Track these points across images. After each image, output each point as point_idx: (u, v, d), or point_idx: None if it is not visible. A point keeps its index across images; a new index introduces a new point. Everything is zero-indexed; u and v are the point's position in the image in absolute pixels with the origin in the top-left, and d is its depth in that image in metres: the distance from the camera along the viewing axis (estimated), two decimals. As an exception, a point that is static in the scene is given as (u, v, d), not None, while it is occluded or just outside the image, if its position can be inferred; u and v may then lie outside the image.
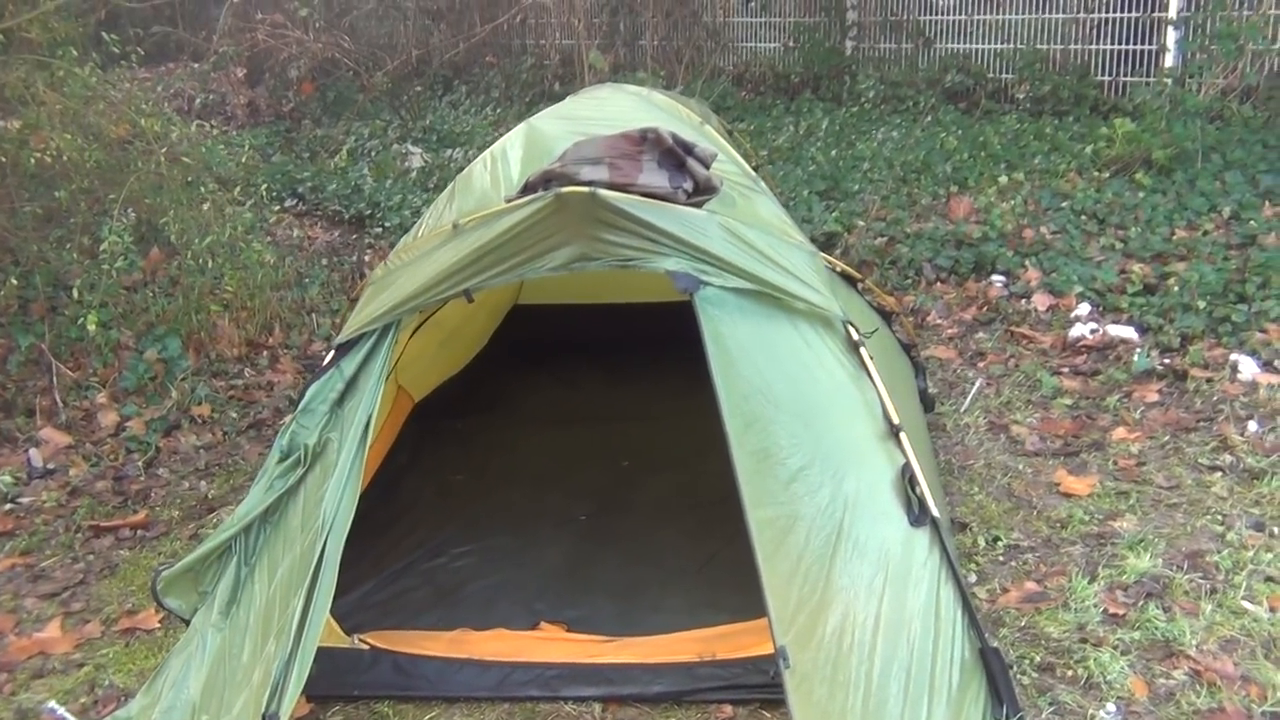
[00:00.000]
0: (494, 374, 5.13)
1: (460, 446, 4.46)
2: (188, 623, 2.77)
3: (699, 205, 2.85)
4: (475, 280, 2.84)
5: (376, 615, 3.19)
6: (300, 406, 2.91)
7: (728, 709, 2.77)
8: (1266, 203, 6.23)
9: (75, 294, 4.88)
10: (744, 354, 2.71)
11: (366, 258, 6.72)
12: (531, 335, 5.38)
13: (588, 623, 3.12)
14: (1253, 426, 4.08)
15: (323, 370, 2.96)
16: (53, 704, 2.75)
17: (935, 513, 2.72)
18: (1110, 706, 2.56)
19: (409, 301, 2.92)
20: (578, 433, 4.55)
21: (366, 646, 2.96)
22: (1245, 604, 3.02)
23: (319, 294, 6.07)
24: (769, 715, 2.75)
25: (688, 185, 2.84)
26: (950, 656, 2.54)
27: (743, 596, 2.89)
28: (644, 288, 5.01)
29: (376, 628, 3.07)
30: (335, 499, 2.73)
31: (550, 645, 3.01)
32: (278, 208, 7.51)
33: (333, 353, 3.00)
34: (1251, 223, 5.94)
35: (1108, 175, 7.11)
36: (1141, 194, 6.65)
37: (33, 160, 4.91)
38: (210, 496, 4.18)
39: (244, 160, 6.85)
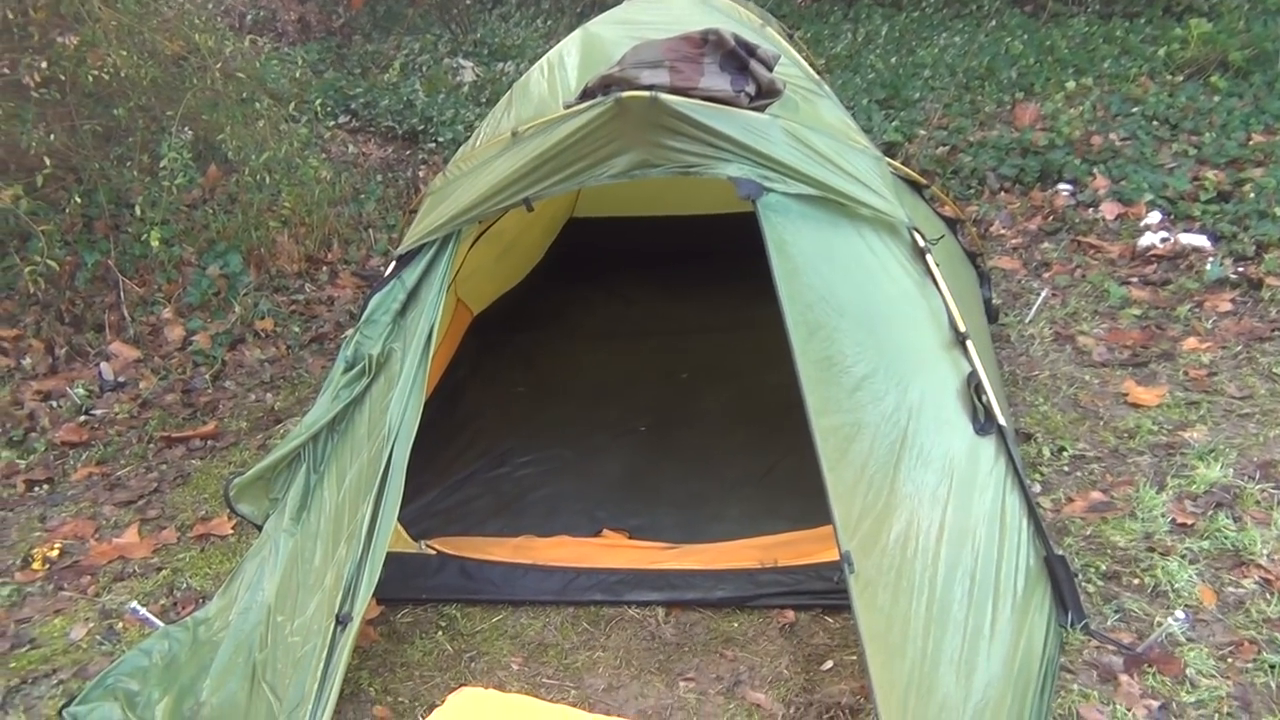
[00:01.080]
0: (551, 287, 5.13)
1: (519, 359, 4.48)
2: (260, 528, 2.84)
3: (762, 109, 2.78)
4: (535, 189, 2.81)
5: (442, 522, 3.25)
6: (363, 317, 2.93)
7: (789, 614, 2.80)
8: (1351, 104, 5.96)
9: (138, 211, 4.93)
10: (808, 261, 2.67)
11: (421, 173, 6.70)
12: (588, 248, 5.35)
13: (649, 531, 3.16)
14: (1330, 335, 3.95)
15: (384, 281, 2.97)
16: (135, 605, 2.85)
17: (1001, 421, 2.69)
18: (1179, 614, 2.54)
19: (469, 211, 2.90)
20: (636, 346, 4.55)
21: (434, 551, 3.02)
22: (1319, 514, 2.96)
23: (375, 210, 6.09)
24: (830, 620, 2.77)
25: (750, 88, 2.77)
26: (1015, 564, 2.53)
27: (803, 505, 2.90)
28: (701, 199, 4.97)
29: (443, 534, 3.13)
30: (400, 408, 2.76)
31: (613, 552, 3.05)
32: (331, 124, 7.48)
33: (394, 264, 3.01)
34: (1334, 125, 5.69)
35: (1181, 79, 6.83)
36: (1217, 98, 6.40)
37: (90, 78, 4.92)
38: (276, 408, 4.25)
39: (297, 76, 6.82)
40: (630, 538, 3.13)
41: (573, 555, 3.01)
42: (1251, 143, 5.74)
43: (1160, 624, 2.59)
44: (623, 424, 3.87)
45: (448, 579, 2.97)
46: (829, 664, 2.62)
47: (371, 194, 6.25)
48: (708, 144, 2.68)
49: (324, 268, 5.54)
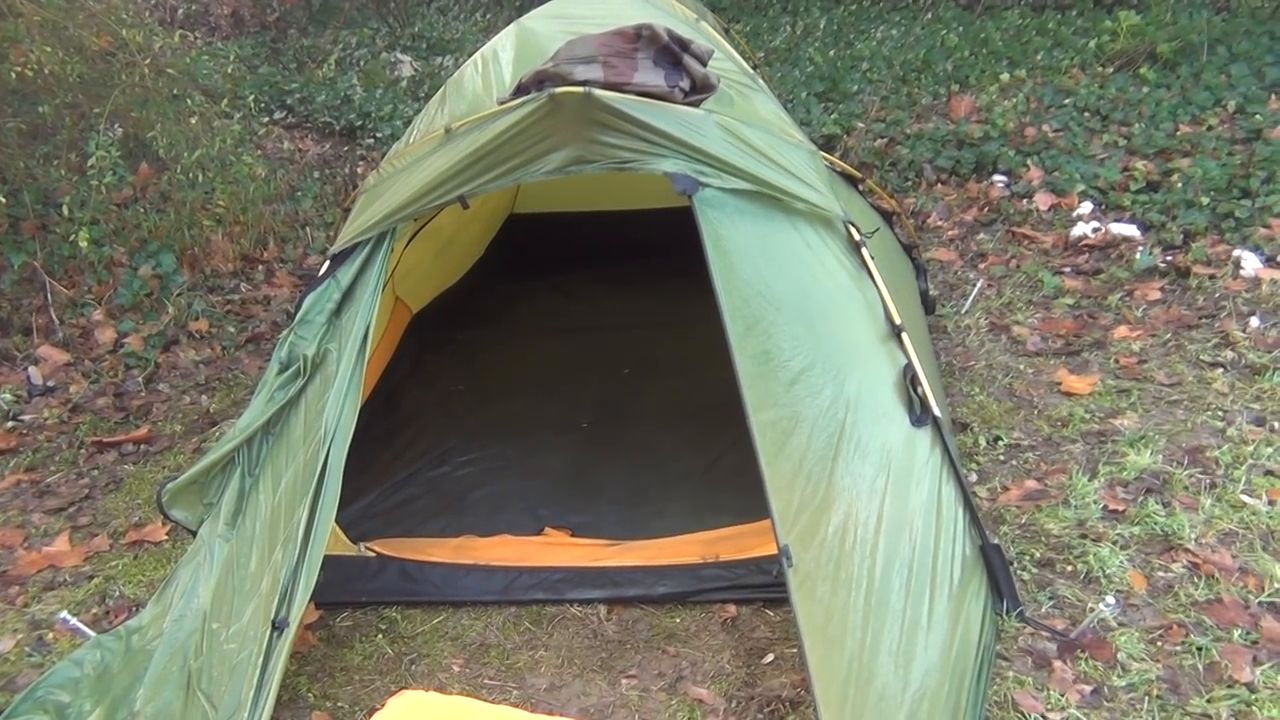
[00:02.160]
0: (492, 284, 5.10)
1: (460, 357, 4.45)
2: (194, 534, 2.79)
3: (696, 104, 2.79)
4: (470, 186, 2.79)
5: (382, 524, 3.22)
6: (297, 318, 2.88)
7: (731, 608, 2.81)
8: (1272, 96, 6.11)
9: (65, 211, 4.81)
10: (744, 256, 2.67)
11: (359, 169, 6.61)
12: (528, 244, 5.32)
13: (592, 528, 3.15)
14: (1255, 322, 4.05)
15: (319, 281, 2.92)
16: (65, 614, 2.78)
17: (937, 412, 2.72)
18: (1110, 599, 2.59)
19: (403, 209, 2.87)
20: (577, 342, 4.54)
21: (373, 554, 2.99)
22: (1244, 498, 3.04)
23: (312, 207, 6.00)
24: (772, 614, 2.79)
25: (684, 83, 2.77)
26: (952, 553, 2.56)
27: (745, 499, 2.91)
28: (641, 193, 4.96)
29: (382, 536, 3.10)
30: (336, 409, 2.72)
31: (555, 550, 3.04)
32: (266, 120, 7.36)
33: (328, 263, 2.96)
34: (1257, 117, 5.83)
35: (1111, 70, 6.97)
36: (1146, 89, 6.53)
37: (13, 75, 4.79)
38: (211, 410, 4.18)
39: (230, 71, 6.71)
40: (573, 535, 3.12)
41: (515, 554, 3.00)
42: (1179, 133, 5.86)
43: (1092, 610, 2.64)
44: (565, 421, 3.86)
45: (388, 581, 2.94)
46: (770, 657, 2.64)
47: (308, 191, 6.16)
48: (642, 139, 2.67)
49: (260, 267, 5.45)
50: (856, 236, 2.87)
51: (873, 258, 2.90)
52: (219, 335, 4.79)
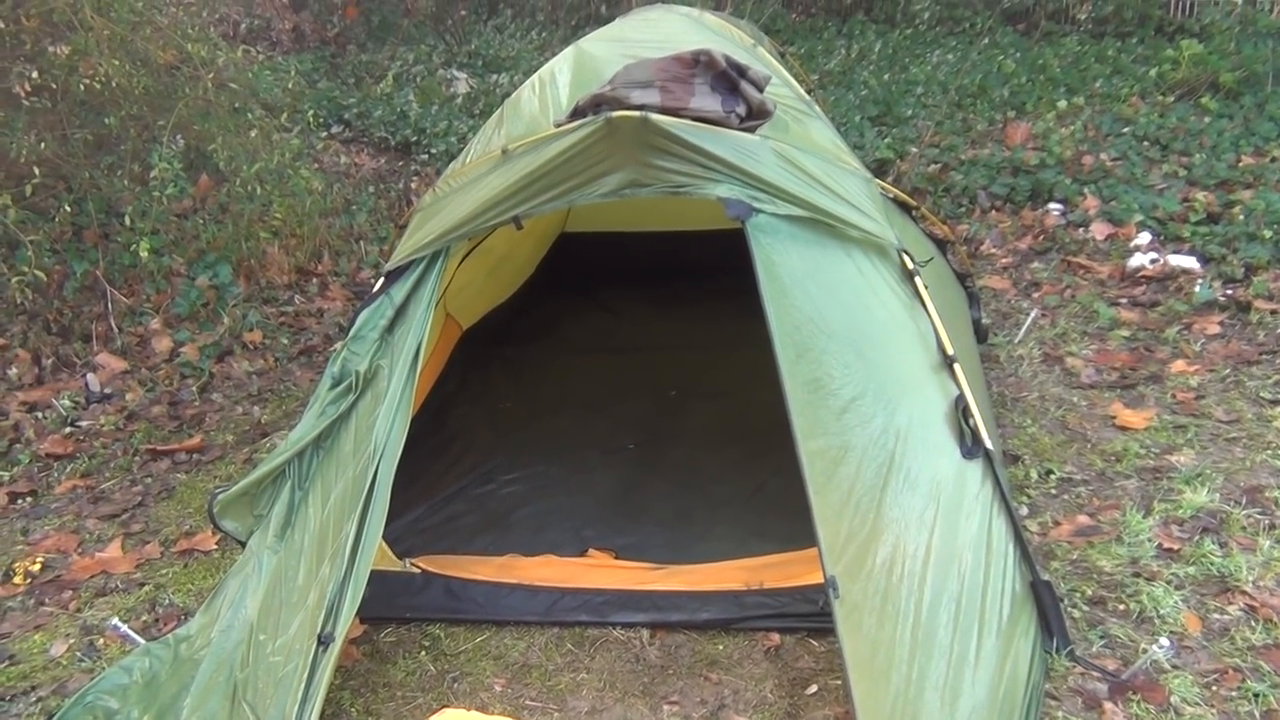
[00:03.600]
0: (541, 302, 5.13)
1: (508, 374, 4.48)
2: (244, 545, 2.82)
3: (752, 130, 2.79)
4: (524, 207, 2.81)
5: (427, 540, 3.23)
6: (351, 333, 2.92)
7: (775, 637, 2.78)
8: (1339, 128, 6.00)
9: (127, 221, 4.91)
10: (796, 283, 2.66)
11: (413, 184, 6.70)
12: (579, 263, 5.35)
13: (636, 550, 3.14)
14: (1317, 360, 3.97)
15: (373, 297, 2.96)
16: (116, 621, 2.82)
17: (988, 444, 2.69)
18: (1164, 641, 2.53)
19: (458, 228, 2.90)
20: (625, 362, 4.55)
21: (418, 570, 3.01)
22: (1305, 540, 2.96)
23: (366, 221, 6.08)
24: (816, 644, 2.76)
25: (741, 109, 2.78)
26: (1001, 588, 2.52)
27: (790, 526, 2.89)
28: (692, 215, 4.97)
29: (427, 552, 3.11)
30: (386, 425, 2.75)
31: (599, 572, 3.03)
32: (324, 134, 7.47)
33: (382, 280, 3.00)
34: (1323, 148, 5.73)
35: (1172, 99, 6.88)
36: (1207, 119, 6.44)
37: (82, 86, 4.91)
38: (263, 421, 4.24)
39: (290, 86, 6.81)
40: (617, 557, 3.12)
41: (558, 575, 3.00)
42: (1241, 164, 5.77)
43: (1145, 651, 2.58)
44: (611, 441, 3.86)
45: (432, 598, 2.95)
46: (813, 688, 2.61)
47: (363, 205, 6.24)
48: (698, 164, 2.68)
49: (314, 279, 5.53)
50: (910, 265, 2.85)
51: (926, 287, 2.87)
52: (272, 347, 4.86)
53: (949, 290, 3.71)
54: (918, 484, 2.55)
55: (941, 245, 3.88)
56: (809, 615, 2.77)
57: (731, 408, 3.99)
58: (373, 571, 2.61)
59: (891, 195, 3.40)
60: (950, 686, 2.28)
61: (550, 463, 3.70)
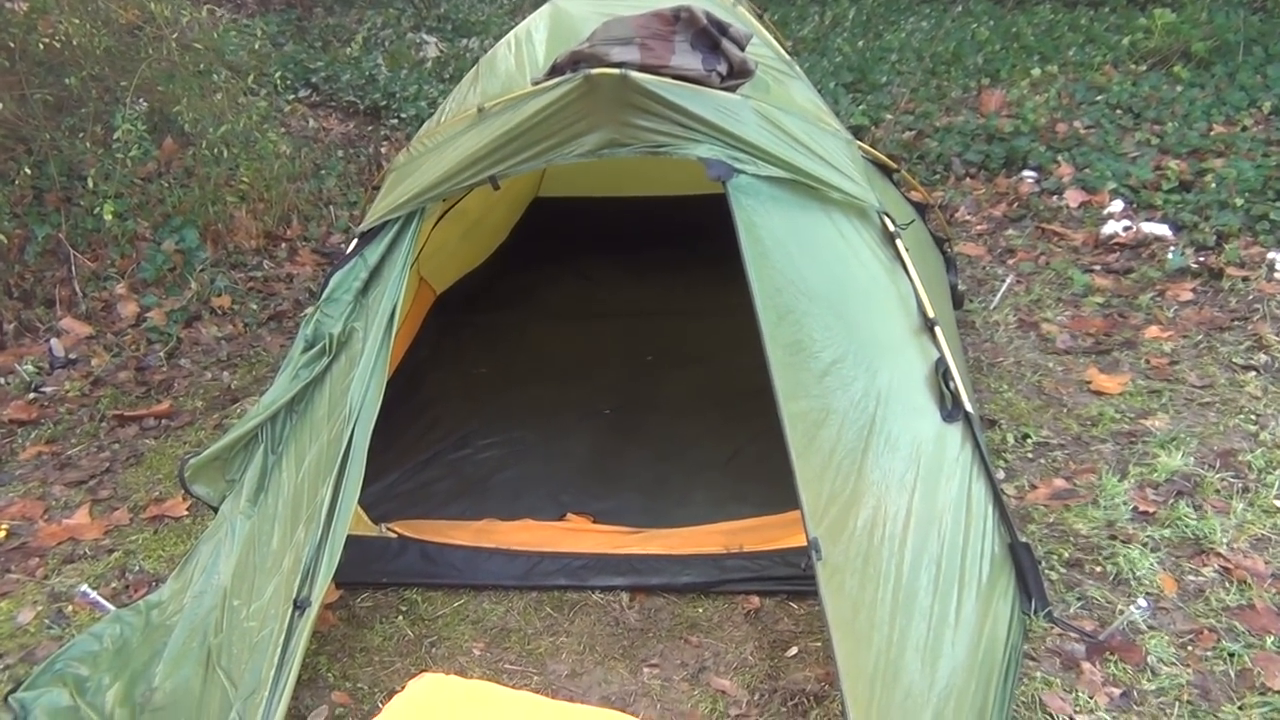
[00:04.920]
0: (516, 268, 5.07)
1: (483, 340, 4.43)
2: (216, 510, 2.77)
3: (733, 89, 2.75)
4: (501, 166, 2.76)
5: (403, 504, 3.20)
6: (324, 296, 2.86)
7: (755, 600, 2.78)
8: (1309, 96, 6.04)
9: (90, 184, 4.79)
10: (778, 245, 2.64)
11: (383, 149, 6.59)
12: (554, 228, 5.28)
13: (614, 515, 3.13)
14: (1288, 326, 4.00)
15: (346, 259, 2.90)
16: (85, 588, 2.77)
17: (968, 407, 2.68)
18: (1141, 601, 2.55)
19: (433, 189, 2.84)
20: (601, 328, 4.51)
21: (394, 535, 2.98)
22: (1277, 503, 2.99)
23: (336, 186, 5.98)
24: (795, 606, 2.76)
25: (722, 68, 2.74)
26: (980, 550, 2.53)
27: (768, 490, 2.89)
28: (668, 179, 4.93)
29: (404, 516, 3.08)
30: (361, 388, 2.70)
31: (577, 536, 3.02)
32: (291, 97, 7.32)
33: (355, 241, 2.94)
34: (1293, 118, 5.77)
35: (1144, 68, 6.89)
36: (1179, 88, 6.46)
37: (41, 45, 4.77)
38: (233, 387, 4.17)
39: (256, 48, 6.67)
40: (595, 522, 3.10)
41: (536, 539, 2.97)
42: (1213, 133, 5.80)
43: (1122, 612, 2.60)
44: (588, 406, 3.83)
45: (409, 562, 2.92)
46: (794, 650, 2.61)
47: (332, 170, 6.14)
48: (678, 124, 2.64)
49: (283, 244, 5.44)
50: (891, 228, 2.83)
51: (906, 250, 2.86)
52: (241, 312, 4.79)
53: (928, 254, 3.69)
54: (898, 446, 2.54)
55: (920, 209, 3.86)
56: (789, 578, 2.77)
57: (708, 373, 3.97)
58: (349, 536, 2.57)
59: (871, 157, 3.37)
60: (931, 647, 2.28)
61: (527, 428, 3.67)
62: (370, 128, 7.19)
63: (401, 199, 2.88)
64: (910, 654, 2.26)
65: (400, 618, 2.81)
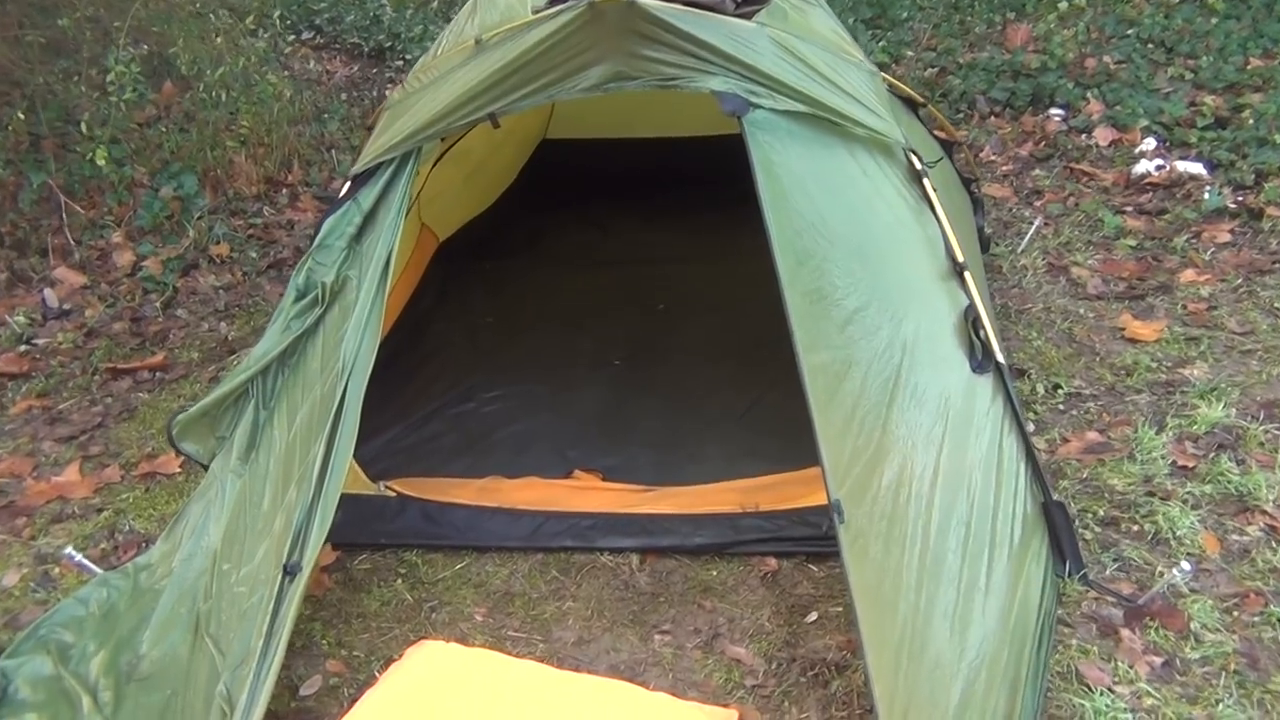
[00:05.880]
0: (523, 213, 4.88)
1: (488, 288, 4.26)
2: (206, 468, 2.65)
3: (748, 16, 2.56)
4: (502, 102, 2.58)
5: (404, 461, 3.06)
6: (316, 242, 2.70)
7: (772, 561, 2.64)
8: (1350, 29, 5.78)
9: (85, 129, 4.62)
10: (797, 184, 2.46)
11: (388, 91, 6.38)
12: (562, 172, 5.08)
13: (624, 472, 2.98)
14: (1332, 268, 3.80)
15: (339, 203, 2.73)
16: (70, 550, 2.65)
17: (999, 357, 2.52)
18: (1185, 564, 2.40)
19: (430, 127, 2.66)
20: (611, 275, 4.33)
21: (393, 493, 2.84)
22: (1326, 457, 2.83)
23: (339, 130, 5.80)
24: (815, 569, 2.62)
25: (736, -8, 2.54)
26: (1012, 511, 2.38)
27: (785, 445, 2.75)
28: (680, 119, 4.74)
29: (403, 474, 2.94)
30: (355, 340, 2.55)
31: (585, 494, 2.87)
32: (293, 39, 7.12)
33: (348, 184, 2.77)
34: (1334, 51, 5.52)
35: (1177, 0, 6.59)
36: (1214, 20, 6.19)
37: (32, -16, 4.60)
38: (230, 338, 4.03)
39: (256, -12, 6.46)
40: (604, 479, 2.95)
41: (542, 498, 2.83)
42: (1250, 67, 5.55)
43: (1162, 574, 2.45)
44: (597, 357, 3.67)
45: (408, 522, 2.78)
46: (813, 616, 2.47)
47: (335, 113, 5.96)
48: (689, 54, 2.46)
49: (284, 190, 5.27)
50: (918, 166, 2.64)
51: (935, 189, 2.67)
52: (240, 260, 4.63)
53: (955, 195, 3.50)
54: (925, 400, 2.38)
55: (947, 147, 3.67)
56: (806, 539, 2.62)
57: (722, 322, 3.80)
58: (346, 496, 2.44)
59: (897, 91, 3.17)
60: (960, 615, 2.14)
61: (533, 381, 3.51)
62: (375, 70, 6.99)
63: (396, 138, 2.70)
64: (938, 622, 2.12)
65: (399, 581, 2.68)
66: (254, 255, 4.66)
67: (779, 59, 2.51)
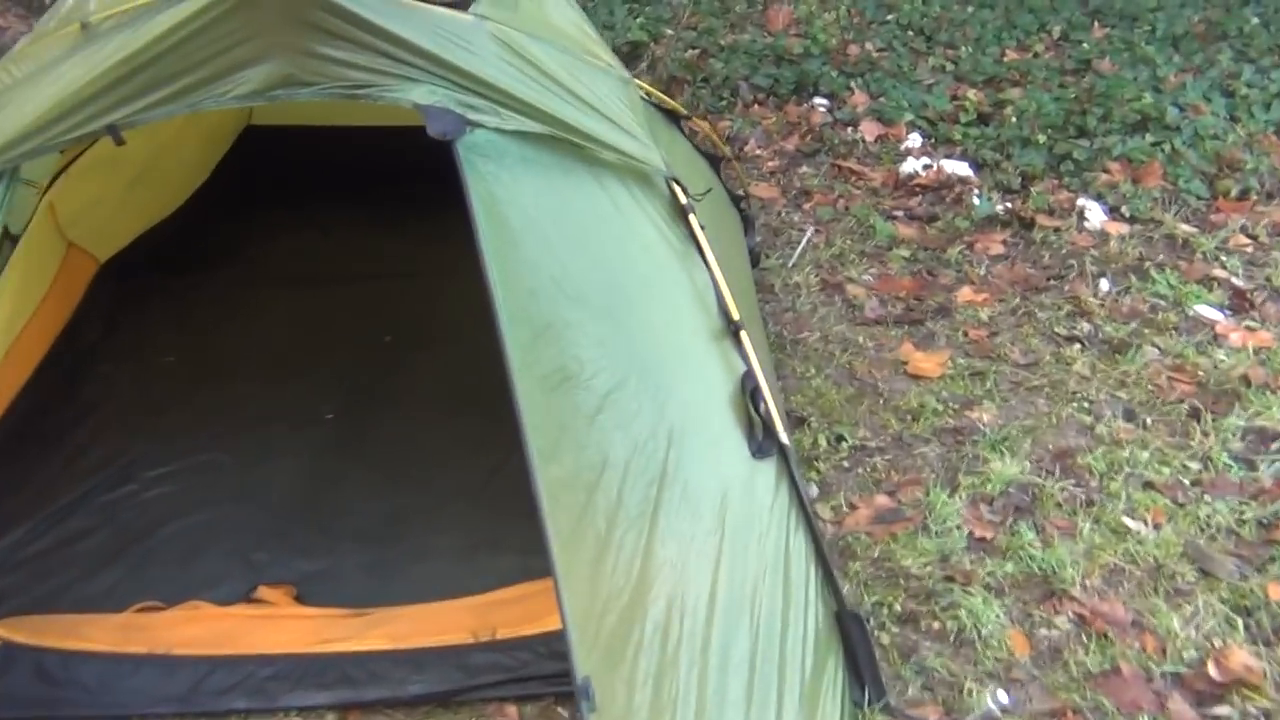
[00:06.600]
0: (218, 218, 4.03)
1: (173, 316, 3.47)
2: None
3: (463, 6, 1.97)
4: (122, 111, 1.89)
5: (20, 583, 2.30)
6: None
7: (511, 709, 2.08)
8: (1095, 23, 5.82)
9: None
10: (531, 228, 1.92)
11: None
12: (272, 166, 4.27)
13: (325, 583, 2.33)
14: (1105, 285, 3.64)
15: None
16: None
17: (783, 439, 2.07)
18: (1002, 695, 2.03)
19: (23, 142, 1.92)
20: (330, 297, 3.60)
21: (-3, 642, 2.09)
22: (1126, 520, 2.55)
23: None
24: (565, 713, 2.08)
25: (445, -26, 1.94)
26: (803, 631, 1.96)
27: (533, 527, 2.18)
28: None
29: (15, 609, 2.18)
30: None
31: (269, 626, 2.19)
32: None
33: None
34: (1083, 45, 5.53)
35: (935, -15, 6.47)
36: (970, 8, 6.10)
37: None
38: None
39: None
40: (296, 598, 2.29)
41: (209, 635, 2.15)
42: (1006, 59, 5.46)
43: (970, 690, 2.08)
44: (303, 410, 2.97)
45: (15, 684, 2.03)
46: (567, 784, 1.95)
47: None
48: (382, 54, 1.87)
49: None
50: (684, 200, 2.14)
51: (703, 227, 2.18)
52: None
53: (725, 218, 3.05)
54: (698, 502, 1.92)
55: (715, 162, 3.20)
56: (554, 676, 2.07)
57: (460, 358, 3.12)
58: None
59: (655, 100, 2.66)
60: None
61: (216, 448, 2.78)
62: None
63: (-27, 157, 1.94)
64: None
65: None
66: None
67: (505, 64, 1.95)
